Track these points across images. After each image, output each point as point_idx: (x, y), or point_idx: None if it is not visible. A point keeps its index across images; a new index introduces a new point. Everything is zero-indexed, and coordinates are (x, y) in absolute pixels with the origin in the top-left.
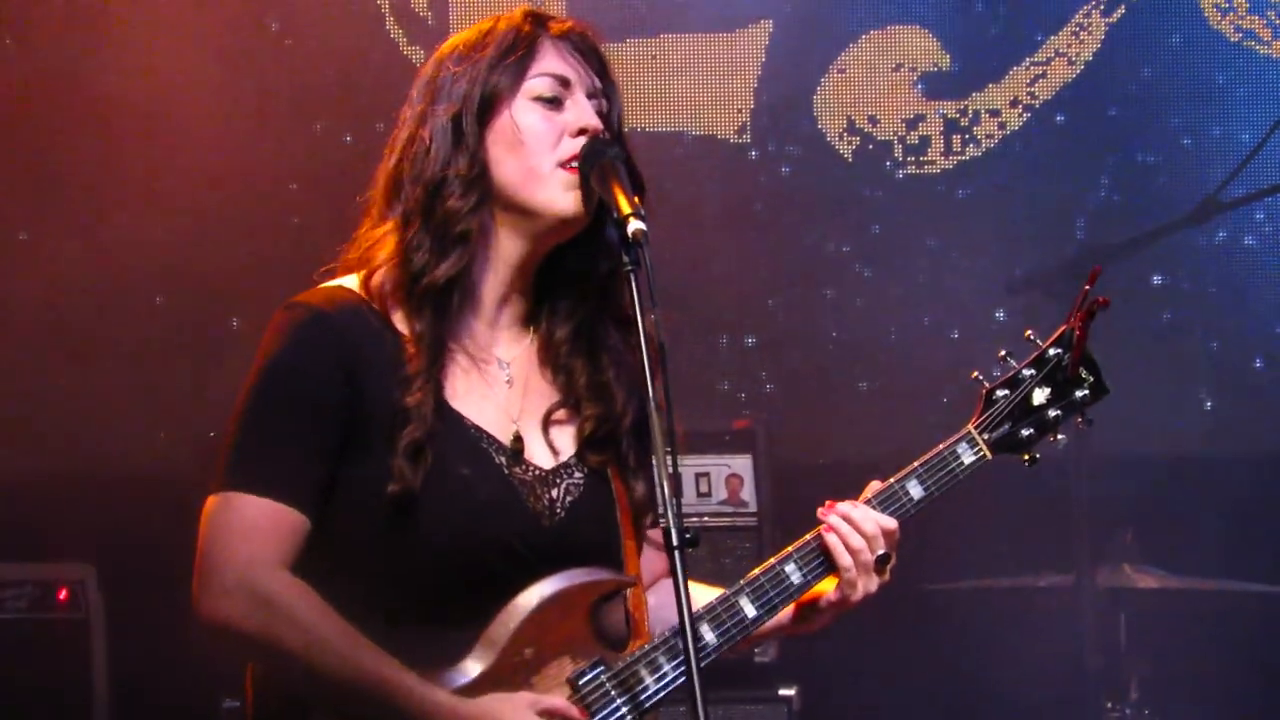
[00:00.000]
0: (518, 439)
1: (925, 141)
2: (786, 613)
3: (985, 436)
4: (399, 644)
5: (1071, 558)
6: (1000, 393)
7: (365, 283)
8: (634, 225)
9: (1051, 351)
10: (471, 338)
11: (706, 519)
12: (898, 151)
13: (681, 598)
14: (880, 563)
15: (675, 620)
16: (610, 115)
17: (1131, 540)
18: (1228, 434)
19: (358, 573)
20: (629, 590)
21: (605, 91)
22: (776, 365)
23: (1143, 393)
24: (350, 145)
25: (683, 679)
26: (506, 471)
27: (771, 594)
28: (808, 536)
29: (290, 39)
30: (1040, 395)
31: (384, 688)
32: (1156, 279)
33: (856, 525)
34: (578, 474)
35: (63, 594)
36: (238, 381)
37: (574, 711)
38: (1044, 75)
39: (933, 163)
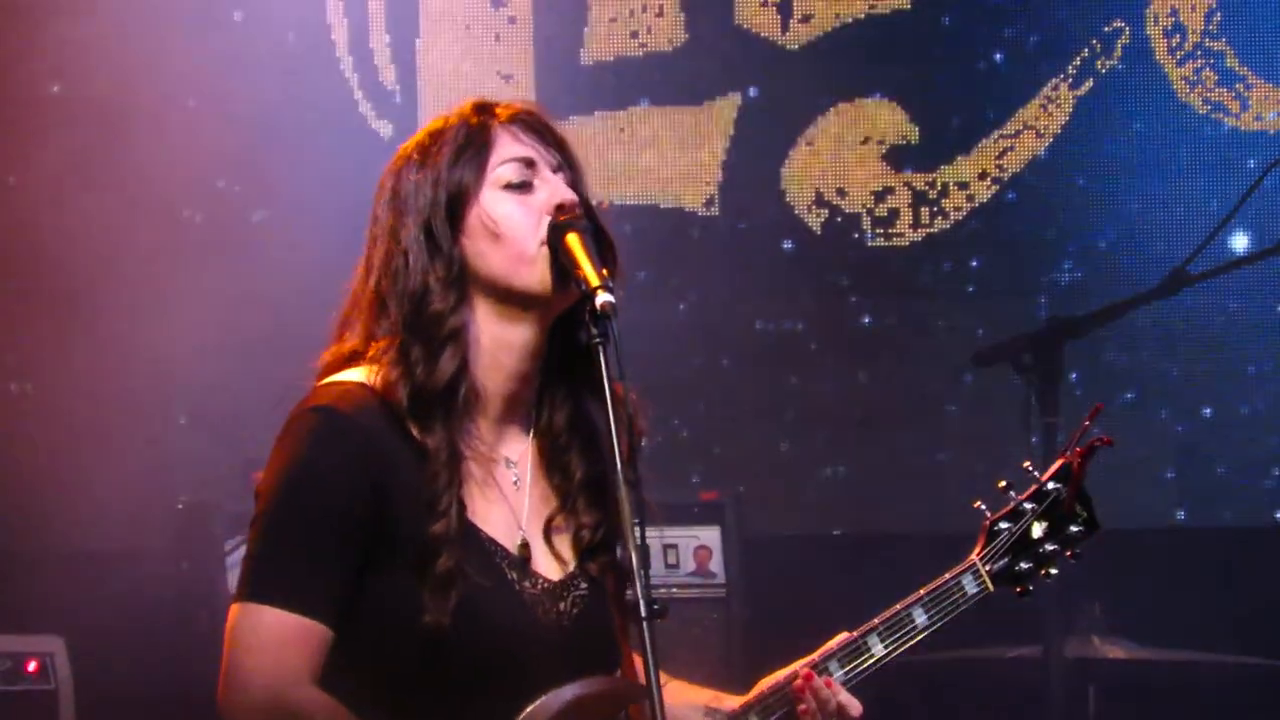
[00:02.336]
0: (524, 547)
1: (894, 214)
2: None
3: (988, 568)
4: None
5: (1040, 629)
6: (1002, 525)
7: (382, 391)
8: (602, 298)
9: (1050, 485)
10: (480, 438)
11: (675, 590)
12: (866, 224)
13: (650, 669)
14: None
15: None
16: (578, 187)
17: (1100, 612)
18: (1193, 509)
19: (378, 683)
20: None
21: (567, 164)
22: (741, 442)
23: (1109, 469)
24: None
25: None
26: (517, 587)
27: None
28: (780, 681)
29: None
30: (1038, 529)
31: None
32: (1122, 358)
33: (822, 705)
34: (582, 585)
35: (32, 666)
36: (197, 456)
37: None
38: (1012, 148)
39: (901, 235)
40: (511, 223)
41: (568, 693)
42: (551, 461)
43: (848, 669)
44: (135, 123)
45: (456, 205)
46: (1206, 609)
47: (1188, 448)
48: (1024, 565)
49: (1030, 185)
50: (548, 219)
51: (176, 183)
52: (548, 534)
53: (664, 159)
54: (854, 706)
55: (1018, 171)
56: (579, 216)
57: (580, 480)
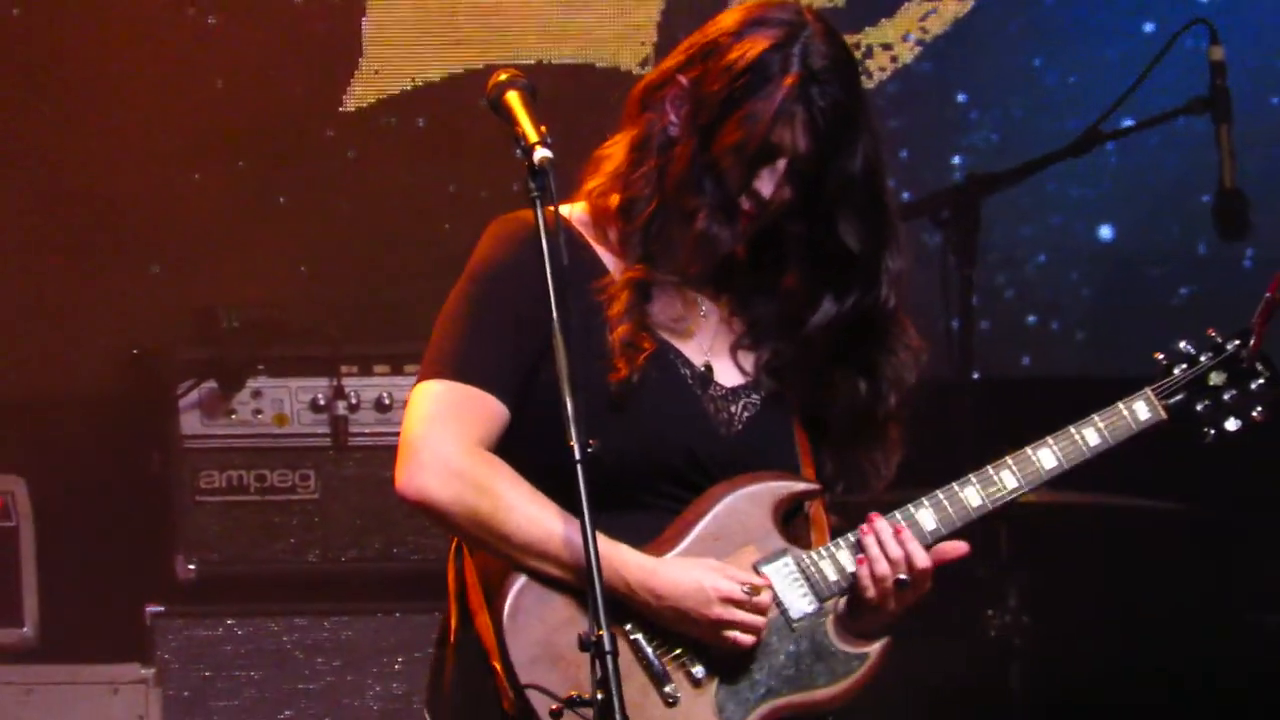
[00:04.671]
0: (708, 366)
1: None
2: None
3: (1162, 401)
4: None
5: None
6: (1178, 368)
7: (590, 201)
8: (540, 154)
9: (1230, 345)
10: (677, 272)
11: None
12: None
13: (584, 514)
14: (899, 587)
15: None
16: (829, 166)
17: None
18: (1099, 362)
19: (552, 467)
20: (812, 501)
21: (824, 151)
22: None
23: (1016, 325)
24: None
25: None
26: (691, 382)
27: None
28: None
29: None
30: (1216, 378)
31: (571, 544)
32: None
33: (885, 551)
34: (755, 395)
35: None
36: (159, 309)
37: (755, 578)
38: (935, 11)
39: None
40: (723, 180)
41: (738, 484)
42: (746, 298)
43: (987, 491)
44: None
45: (710, 133)
46: (1114, 455)
47: (1096, 304)
48: (1200, 407)
49: (950, 49)
50: (745, 198)
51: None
52: (734, 351)
53: (602, 20)
54: (919, 558)
55: (940, 33)
56: (519, 75)
57: (770, 311)
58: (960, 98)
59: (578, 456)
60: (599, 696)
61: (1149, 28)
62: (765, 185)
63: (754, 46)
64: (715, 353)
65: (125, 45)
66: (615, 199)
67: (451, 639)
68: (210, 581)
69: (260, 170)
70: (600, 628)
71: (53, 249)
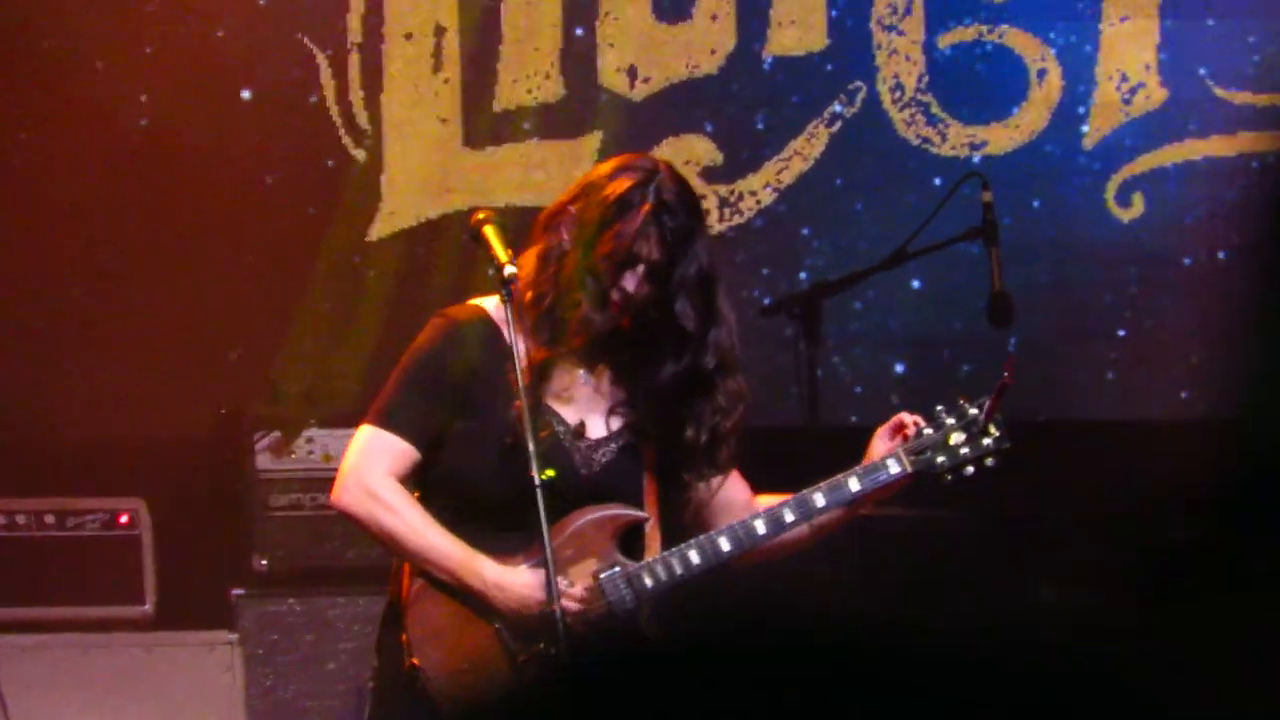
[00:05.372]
0: (581, 424)
1: (706, 213)
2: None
3: (910, 458)
4: (475, 544)
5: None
6: (927, 431)
7: (510, 302)
8: (508, 270)
9: (971, 411)
10: (567, 356)
11: None
12: None
13: (544, 530)
14: None
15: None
16: (674, 270)
17: None
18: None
19: (449, 498)
20: (647, 526)
21: (671, 259)
22: None
23: (847, 391)
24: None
25: (675, 581)
26: (564, 439)
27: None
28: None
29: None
30: (956, 438)
31: (445, 555)
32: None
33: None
34: (614, 445)
35: (123, 518)
36: (240, 380)
37: (577, 592)
38: (786, 168)
39: (711, 226)
40: (596, 281)
41: (588, 512)
42: (619, 370)
43: (796, 513)
44: (182, 131)
45: (589, 247)
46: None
47: (904, 376)
48: (940, 460)
49: (797, 195)
50: (615, 293)
51: (230, 172)
52: (606, 411)
53: (550, 176)
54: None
55: (790, 184)
56: (493, 214)
57: (634, 380)
58: (805, 230)
59: (537, 483)
60: (552, 651)
61: (938, 180)
62: (629, 283)
63: (621, 185)
64: (589, 413)
65: (215, 203)
66: (529, 295)
67: (389, 613)
68: (278, 572)
69: (309, 285)
70: (553, 603)
71: (171, 341)
